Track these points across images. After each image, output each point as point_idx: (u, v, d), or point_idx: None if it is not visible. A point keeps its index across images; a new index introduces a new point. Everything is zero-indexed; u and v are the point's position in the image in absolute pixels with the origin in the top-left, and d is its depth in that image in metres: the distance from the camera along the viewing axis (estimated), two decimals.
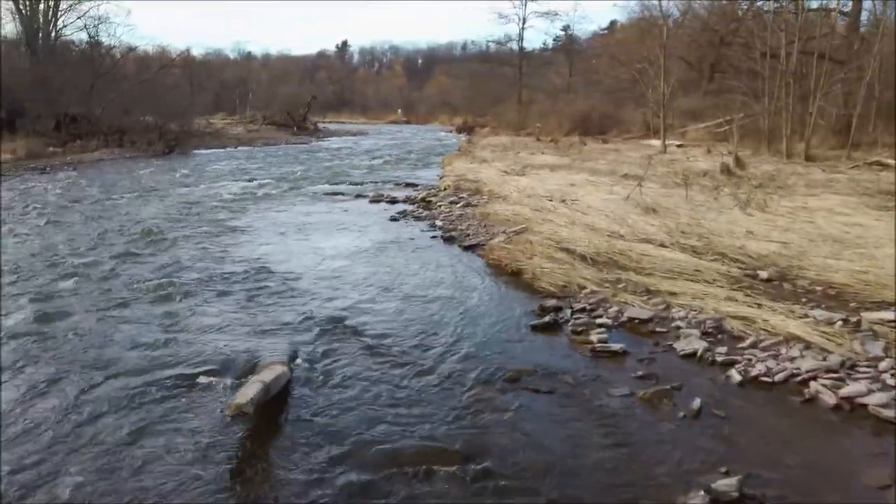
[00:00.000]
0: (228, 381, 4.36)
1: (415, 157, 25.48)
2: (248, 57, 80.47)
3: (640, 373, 4.51)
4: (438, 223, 10.58)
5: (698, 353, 4.80)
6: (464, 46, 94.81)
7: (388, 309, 5.97)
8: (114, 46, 31.59)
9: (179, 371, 4.50)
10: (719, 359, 4.73)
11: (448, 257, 8.16)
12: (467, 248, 8.67)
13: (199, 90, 66.45)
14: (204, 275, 6.93)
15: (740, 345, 4.97)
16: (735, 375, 4.46)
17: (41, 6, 32.18)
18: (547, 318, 5.47)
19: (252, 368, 4.47)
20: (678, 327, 5.35)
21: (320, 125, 48.59)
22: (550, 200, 11.79)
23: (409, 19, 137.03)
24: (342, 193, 14.45)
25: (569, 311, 5.79)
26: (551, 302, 5.88)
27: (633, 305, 5.82)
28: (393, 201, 13.36)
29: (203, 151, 27.62)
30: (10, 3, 31.54)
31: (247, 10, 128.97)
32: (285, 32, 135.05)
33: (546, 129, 32.88)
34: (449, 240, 9.20)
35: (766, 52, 20.85)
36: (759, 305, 5.66)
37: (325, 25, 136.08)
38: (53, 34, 32.93)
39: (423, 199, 13.27)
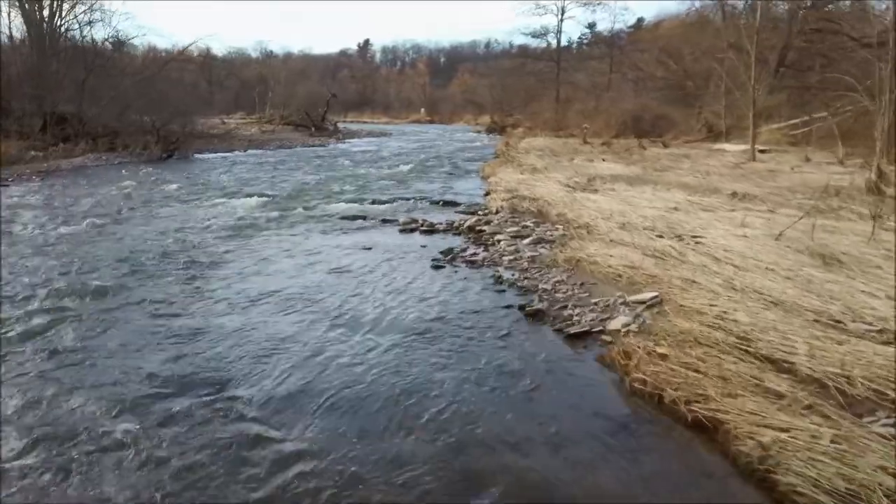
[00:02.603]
0: None
1: (446, 162, 21.98)
2: (270, 56, 77.83)
3: None
4: (505, 275, 7.07)
5: None
6: (487, 45, 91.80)
7: None
8: (106, 39, 28.39)
9: None
10: None
11: (547, 365, 4.65)
12: (573, 339, 5.15)
13: (219, 89, 64.10)
14: (135, 432, 3.52)
15: None
16: None
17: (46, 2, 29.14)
18: None
19: None
20: None
21: (341, 125, 45.41)
22: (660, 236, 8.23)
23: (431, 18, 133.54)
24: (363, 217, 11.00)
25: None
26: None
27: None
28: (431, 230, 9.90)
29: (207, 156, 24.41)
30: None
31: (268, 10, 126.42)
32: (306, 31, 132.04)
33: (592, 130, 29.21)
34: (535, 317, 5.67)
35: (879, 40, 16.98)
36: None
37: (347, 25, 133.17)
38: (61, 29, 29.89)
39: (471, 229, 9.78)
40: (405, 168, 19.46)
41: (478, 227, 9.80)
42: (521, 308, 5.89)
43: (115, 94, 25.16)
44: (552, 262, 7.50)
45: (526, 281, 6.79)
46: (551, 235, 8.96)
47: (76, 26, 28.65)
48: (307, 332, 5.23)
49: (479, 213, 11.42)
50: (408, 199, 13.08)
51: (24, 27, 28.32)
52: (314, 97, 45.69)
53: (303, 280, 6.74)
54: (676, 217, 9.49)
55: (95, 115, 23.87)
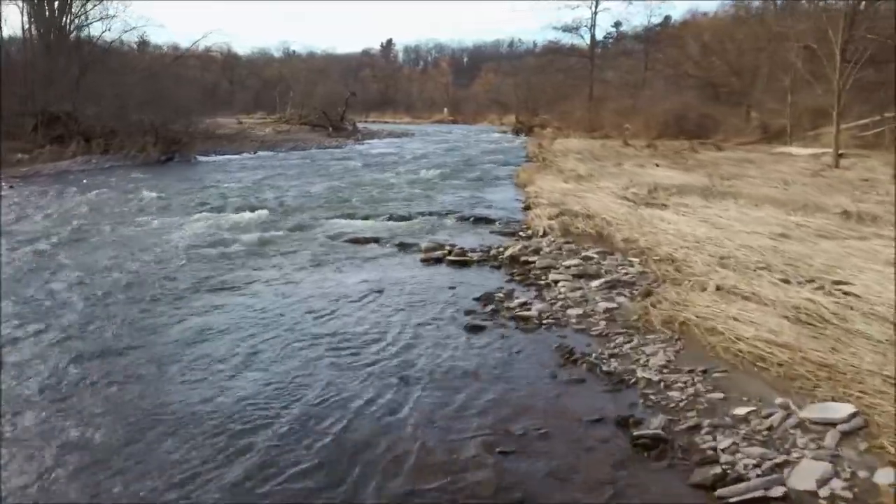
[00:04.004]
0: None
1: (473, 167, 19.67)
2: (292, 55, 76.39)
3: None
4: (577, 346, 4.77)
5: None
6: (511, 44, 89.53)
7: None
8: (105, 31, 26.39)
9: None
10: None
11: None
12: None
13: (240, 88, 62.60)
14: None
15: None
16: None
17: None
18: None
19: None
20: None
21: (361, 125, 43.37)
22: (786, 281, 5.86)
23: (434, 18, 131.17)
24: (377, 240, 8.76)
25: None
26: None
27: None
28: (461, 261, 7.62)
29: (213, 158, 22.42)
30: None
31: (292, 10, 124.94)
32: (330, 31, 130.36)
33: (632, 130, 26.75)
34: (650, 450, 3.33)
35: None
36: None
37: (371, 24, 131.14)
38: (70, 26, 27.91)
39: (514, 260, 7.49)
40: (428, 174, 17.18)
41: (523, 258, 7.50)
42: (622, 425, 3.57)
43: (118, 93, 23.23)
44: (642, 322, 5.17)
45: (614, 361, 4.46)
46: (627, 274, 6.63)
47: (86, 22, 26.86)
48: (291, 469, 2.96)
49: (521, 234, 9.16)
50: (431, 214, 10.83)
51: (28, 23, 26.59)
52: (333, 96, 43.65)
53: (276, 370, 4.46)
54: (791, 248, 7.09)
55: (93, 115, 21.92)
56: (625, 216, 9.33)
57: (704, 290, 5.76)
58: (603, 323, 5.25)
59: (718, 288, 5.71)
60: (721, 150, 21.03)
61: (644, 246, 7.61)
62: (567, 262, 7.08)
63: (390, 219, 10.49)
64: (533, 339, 5.02)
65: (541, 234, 8.88)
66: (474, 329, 5.21)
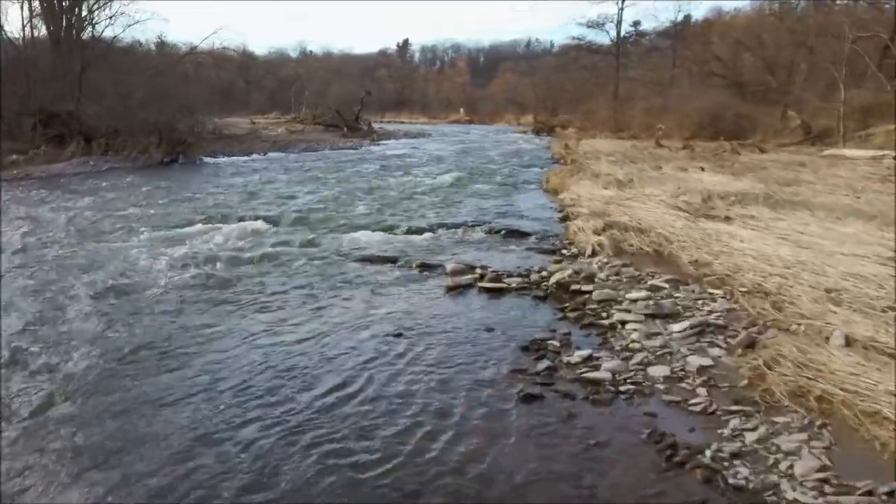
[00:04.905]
0: None
1: (497, 169, 18.23)
2: (309, 55, 75.42)
3: None
4: (677, 432, 3.37)
5: None
6: (528, 44, 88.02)
7: None
8: (106, 28, 25.28)
9: None
10: None
11: None
12: None
13: (256, 88, 61.73)
14: None
15: None
16: None
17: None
18: None
19: None
20: None
21: (377, 125, 42.10)
22: None
23: (458, 17, 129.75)
24: (393, 259, 7.39)
25: None
26: None
27: None
28: (496, 288, 6.23)
29: (221, 160, 21.17)
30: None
31: (293, 10, 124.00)
32: (347, 31, 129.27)
33: (665, 130, 25.18)
34: None
35: None
36: None
37: (388, 25, 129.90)
38: (84, 23, 26.79)
39: (563, 288, 6.09)
40: (448, 178, 15.76)
41: (574, 286, 6.08)
42: None
43: (121, 91, 22.07)
44: (758, 392, 3.75)
45: (740, 466, 3.05)
46: (712, 312, 5.19)
47: (98, 20, 25.71)
48: None
49: (564, 251, 7.75)
50: (454, 226, 9.44)
51: (29, 19, 25.46)
52: (349, 96, 42.41)
53: (247, 477, 3.12)
54: None
55: (96, 114, 20.75)
56: (685, 231, 7.89)
57: (827, 339, 4.35)
58: (703, 392, 3.84)
59: (849, 340, 4.28)
60: (764, 153, 19.41)
61: (722, 272, 6.18)
62: (632, 295, 5.65)
63: (408, 231, 9.11)
64: (610, 417, 3.61)
65: (588, 252, 7.47)
66: (528, 400, 3.81)
